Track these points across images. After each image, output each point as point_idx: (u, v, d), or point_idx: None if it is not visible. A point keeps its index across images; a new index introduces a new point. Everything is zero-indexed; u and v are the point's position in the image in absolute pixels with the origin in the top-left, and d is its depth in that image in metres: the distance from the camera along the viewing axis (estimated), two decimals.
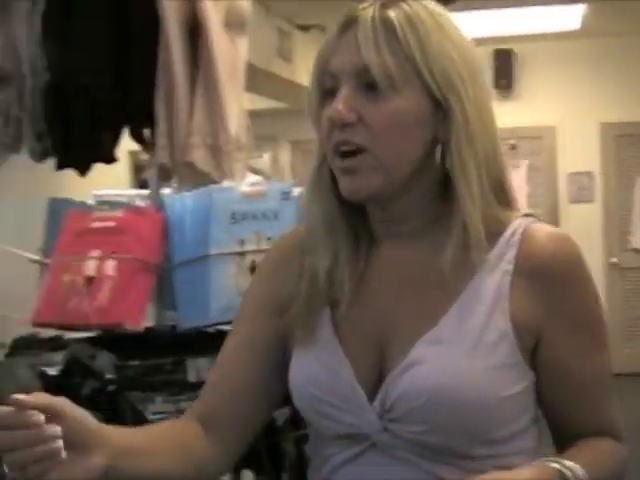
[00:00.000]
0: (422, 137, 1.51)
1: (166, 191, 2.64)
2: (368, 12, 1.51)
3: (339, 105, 1.49)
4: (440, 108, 1.51)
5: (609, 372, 1.57)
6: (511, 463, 1.47)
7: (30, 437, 1.23)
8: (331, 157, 1.52)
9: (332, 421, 1.53)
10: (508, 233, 1.53)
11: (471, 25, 7.56)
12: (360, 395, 1.49)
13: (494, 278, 1.51)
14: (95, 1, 2.48)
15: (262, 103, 9.62)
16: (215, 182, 2.45)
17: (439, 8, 1.56)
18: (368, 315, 1.54)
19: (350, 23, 1.52)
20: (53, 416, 1.26)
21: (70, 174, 2.63)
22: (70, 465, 1.29)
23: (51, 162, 2.65)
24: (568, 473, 1.42)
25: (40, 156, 2.63)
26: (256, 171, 7.00)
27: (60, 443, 1.25)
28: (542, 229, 1.55)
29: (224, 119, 2.57)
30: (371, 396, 1.48)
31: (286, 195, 2.55)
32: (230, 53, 2.67)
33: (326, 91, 1.52)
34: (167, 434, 1.58)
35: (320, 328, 1.53)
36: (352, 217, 1.58)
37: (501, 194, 1.55)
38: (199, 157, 2.43)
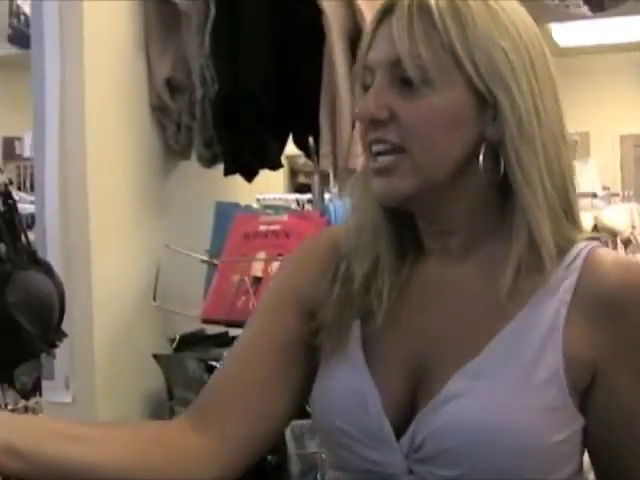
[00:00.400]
0: (465, 136, 1.32)
1: (327, 196, 2.73)
2: None
3: (369, 101, 1.32)
4: (488, 104, 1.31)
5: None
6: None
7: None
8: (367, 158, 1.36)
9: (352, 454, 1.34)
10: (571, 255, 1.33)
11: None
12: (387, 430, 1.30)
13: (550, 306, 1.31)
14: (262, 17, 2.57)
15: None
16: None
17: None
18: (403, 336, 1.36)
19: (388, 10, 1.34)
20: None
21: (232, 178, 2.73)
22: None
23: (217, 168, 2.74)
24: None
25: (208, 162, 2.73)
26: None
27: None
28: (608, 254, 1.36)
29: None
30: (399, 431, 1.30)
31: None
32: None
33: (366, 87, 1.36)
34: (135, 429, 1.40)
35: (348, 343, 1.36)
36: (399, 226, 1.40)
37: (566, 206, 1.35)
38: (361, 164, 2.46)
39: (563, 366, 1.27)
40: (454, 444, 1.25)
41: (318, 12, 2.51)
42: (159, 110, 2.80)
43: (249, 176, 2.67)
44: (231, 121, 2.61)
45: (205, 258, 2.58)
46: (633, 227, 5.71)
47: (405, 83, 1.30)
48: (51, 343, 1.80)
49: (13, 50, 7.53)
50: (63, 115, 2.54)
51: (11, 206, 1.74)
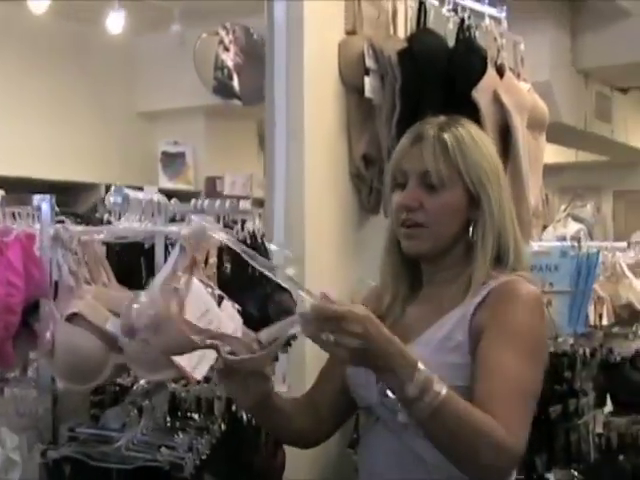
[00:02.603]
0: (460, 219, 1.97)
1: None
2: (430, 132, 1.97)
3: (407, 195, 1.96)
4: (474, 200, 1.96)
5: (522, 378, 1.85)
6: None
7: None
8: (397, 227, 1.99)
9: (356, 395, 2.06)
10: (494, 282, 1.95)
11: None
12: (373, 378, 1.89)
13: (466, 307, 1.94)
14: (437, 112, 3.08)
15: (584, 156, 9.86)
16: None
17: (478, 131, 2.03)
18: (397, 327, 1.92)
19: (418, 138, 1.99)
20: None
21: None
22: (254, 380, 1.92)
23: None
24: (426, 374, 1.73)
25: None
26: (579, 219, 7.11)
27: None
28: (515, 280, 1.96)
29: (526, 196, 3.07)
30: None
31: (564, 253, 3.01)
32: (532, 148, 3.18)
33: (398, 183, 1.99)
34: (294, 401, 2.17)
35: None
36: (412, 269, 2.05)
37: (505, 257, 1.97)
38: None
39: (468, 340, 1.93)
40: None
41: (476, 109, 3.04)
42: (356, 177, 3.18)
43: None
44: None
45: None
46: None
47: (429, 185, 1.96)
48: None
49: (217, 100, 8.22)
50: (288, 175, 2.97)
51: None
